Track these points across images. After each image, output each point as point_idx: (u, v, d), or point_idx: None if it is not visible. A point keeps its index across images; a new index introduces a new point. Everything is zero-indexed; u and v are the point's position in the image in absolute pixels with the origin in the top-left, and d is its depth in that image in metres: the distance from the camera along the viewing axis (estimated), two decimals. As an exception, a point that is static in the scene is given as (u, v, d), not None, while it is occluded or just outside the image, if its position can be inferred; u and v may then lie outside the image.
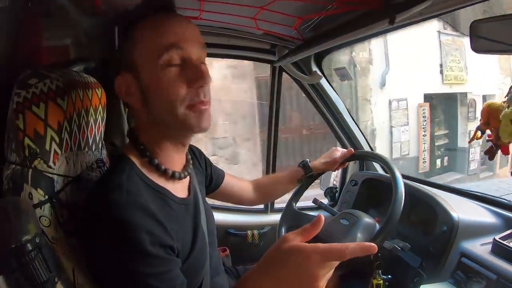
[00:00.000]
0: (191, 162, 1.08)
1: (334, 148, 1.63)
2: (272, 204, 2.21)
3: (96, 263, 0.82)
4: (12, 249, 0.68)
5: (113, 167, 0.92)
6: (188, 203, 1.01)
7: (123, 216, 0.77)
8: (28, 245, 0.69)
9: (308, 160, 1.60)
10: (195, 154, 1.27)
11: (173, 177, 0.96)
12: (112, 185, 0.82)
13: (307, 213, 1.60)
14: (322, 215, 0.75)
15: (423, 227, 1.43)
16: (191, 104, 0.88)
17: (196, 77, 0.87)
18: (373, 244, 0.69)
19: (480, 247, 1.23)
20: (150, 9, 0.88)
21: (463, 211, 1.35)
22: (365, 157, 1.90)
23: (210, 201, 1.32)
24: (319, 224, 0.74)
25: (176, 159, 0.99)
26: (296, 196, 1.59)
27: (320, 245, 0.70)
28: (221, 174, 1.44)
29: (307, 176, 1.56)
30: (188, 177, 1.04)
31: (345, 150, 1.58)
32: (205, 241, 1.05)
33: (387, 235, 1.23)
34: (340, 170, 2.17)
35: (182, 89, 0.86)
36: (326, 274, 0.71)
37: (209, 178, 1.36)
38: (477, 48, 1.06)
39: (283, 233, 1.55)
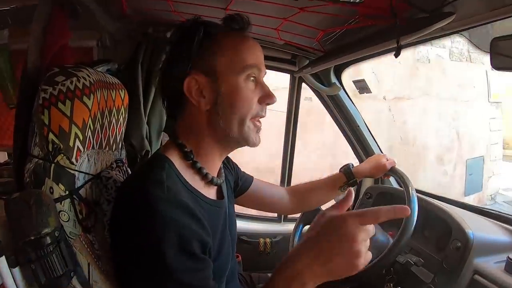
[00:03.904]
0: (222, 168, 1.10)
1: (379, 154, 1.57)
2: None
3: (128, 256, 0.82)
4: (31, 241, 0.69)
5: (151, 164, 0.94)
6: (221, 205, 1.03)
7: (163, 211, 0.79)
8: (48, 238, 0.71)
9: (352, 164, 1.50)
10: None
11: (211, 181, 0.99)
12: (152, 181, 0.84)
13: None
14: (352, 190, 0.85)
15: (437, 243, 1.41)
16: (254, 118, 0.95)
17: (268, 95, 0.96)
18: (406, 206, 0.77)
19: (493, 265, 1.21)
20: (233, 26, 0.96)
21: (477, 228, 1.32)
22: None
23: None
24: (351, 197, 0.88)
25: (216, 165, 1.03)
26: None
27: (354, 211, 0.78)
28: (249, 179, 1.40)
29: (350, 183, 1.45)
30: (223, 182, 1.07)
31: (389, 157, 1.49)
32: (230, 246, 1.07)
33: (400, 250, 1.22)
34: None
35: (254, 103, 0.94)
36: (365, 241, 0.75)
37: (236, 182, 1.34)
38: (496, 65, 1.06)
39: (300, 230, 1.58)
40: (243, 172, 1.39)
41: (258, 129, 0.97)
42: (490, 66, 1.07)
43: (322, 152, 5.70)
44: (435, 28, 1.00)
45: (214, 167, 1.01)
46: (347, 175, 1.45)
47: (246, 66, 0.92)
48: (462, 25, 1.06)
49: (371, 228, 0.76)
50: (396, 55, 1.09)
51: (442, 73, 6.98)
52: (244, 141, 0.96)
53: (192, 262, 0.80)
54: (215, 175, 1.02)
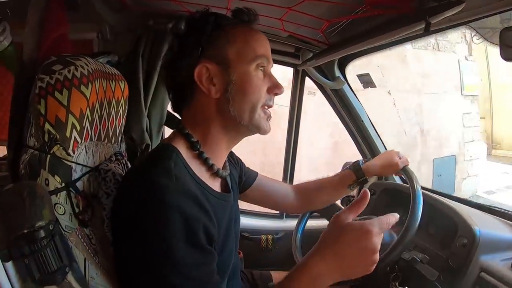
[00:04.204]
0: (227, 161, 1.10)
1: (391, 150, 1.49)
2: None
3: (132, 250, 0.80)
4: (24, 234, 0.67)
5: (157, 154, 0.94)
6: (227, 199, 1.03)
7: (171, 201, 0.78)
8: (41, 231, 0.68)
9: (361, 160, 1.45)
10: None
11: (217, 173, 0.99)
12: (160, 169, 0.84)
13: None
14: (368, 190, 0.83)
15: (442, 240, 1.38)
16: (264, 107, 0.97)
17: (276, 85, 0.99)
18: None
19: (500, 263, 1.19)
20: (242, 18, 0.98)
21: (484, 225, 1.29)
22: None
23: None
24: (366, 199, 0.84)
25: (223, 157, 1.03)
26: None
27: (373, 219, 0.81)
28: (252, 174, 1.38)
29: (360, 181, 1.42)
30: (228, 175, 1.08)
31: (402, 154, 1.43)
32: (234, 242, 1.07)
33: (405, 247, 1.20)
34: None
35: (264, 91, 0.96)
36: (377, 255, 0.81)
37: (240, 177, 1.32)
38: (507, 56, 1.03)
39: (303, 226, 1.61)
40: (247, 167, 1.37)
41: (268, 117, 0.99)
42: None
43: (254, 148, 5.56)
44: (442, 17, 0.97)
45: (220, 158, 1.01)
46: (357, 173, 1.42)
47: (257, 56, 0.94)
48: (470, 15, 1.04)
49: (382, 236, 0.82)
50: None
51: (402, 62, 6.67)
52: (255, 128, 0.97)
53: (199, 255, 0.80)
54: (221, 167, 1.01)
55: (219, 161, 1.01)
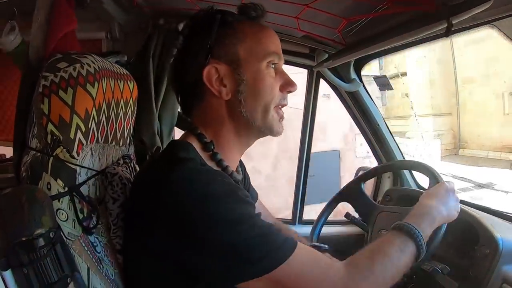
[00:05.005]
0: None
1: None
2: (301, 215, 2.16)
3: (170, 236, 0.77)
4: (22, 242, 0.63)
5: (174, 147, 0.92)
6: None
7: (204, 176, 0.80)
8: (41, 239, 0.64)
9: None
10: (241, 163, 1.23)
11: (231, 175, 0.95)
12: (183, 158, 0.83)
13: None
14: None
15: (462, 249, 1.34)
16: (277, 107, 0.95)
17: (289, 83, 0.96)
18: None
19: None
20: (250, 14, 0.96)
21: (506, 233, 1.25)
22: (411, 168, 1.79)
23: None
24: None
25: (236, 159, 1.02)
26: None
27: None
28: (255, 195, 1.34)
29: None
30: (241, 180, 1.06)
31: None
32: None
33: (426, 257, 1.15)
34: (373, 185, 2.09)
35: (277, 90, 0.94)
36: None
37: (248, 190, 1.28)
38: None
39: (319, 230, 1.61)
40: (252, 186, 1.34)
41: (281, 118, 0.97)
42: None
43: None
44: (468, 16, 0.93)
45: (233, 161, 1.00)
46: None
47: (268, 52, 0.92)
48: (498, 13, 1.01)
49: None
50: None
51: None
52: (268, 130, 0.95)
53: (251, 207, 0.82)
54: (234, 170, 0.99)
55: (233, 163, 0.99)
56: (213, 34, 0.90)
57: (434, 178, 1.24)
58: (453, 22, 0.96)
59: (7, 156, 2.28)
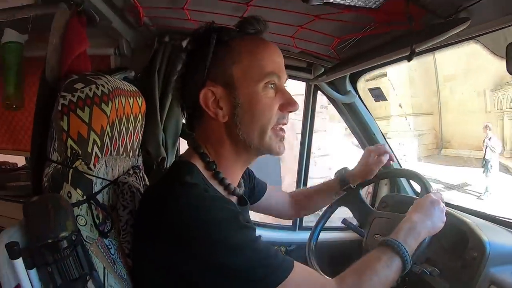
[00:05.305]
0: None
1: (367, 148, 1.49)
2: (301, 221, 2.18)
3: (175, 255, 0.80)
4: (48, 244, 0.71)
5: (179, 170, 0.93)
6: (244, 212, 1.04)
7: (208, 202, 0.81)
8: (65, 241, 0.72)
9: (346, 167, 1.48)
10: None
11: (233, 193, 0.98)
12: (187, 183, 0.84)
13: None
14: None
15: (454, 252, 1.36)
16: (276, 128, 0.93)
17: (290, 102, 0.93)
18: None
19: (510, 275, 1.18)
20: (248, 30, 0.94)
21: (495, 237, 1.29)
22: (404, 176, 1.85)
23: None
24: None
25: (238, 176, 1.02)
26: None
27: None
28: (263, 187, 1.39)
29: (344, 188, 1.44)
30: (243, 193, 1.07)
31: (379, 148, 1.44)
32: None
33: (416, 259, 1.20)
34: (371, 192, 2.13)
35: (275, 111, 0.92)
36: (444, 207, 1.17)
37: (252, 190, 1.32)
38: None
39: (317, 235, 1.60)
40: (258, 178, 1.38)
41: (281, 138, 0.95)
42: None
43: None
44: (451, 34, 1.00)
45: (235, 178, 1.00)
46: (341, 181, 1.44)
47: (265, 74, 0.90)
48: (478, 30, 1.05)
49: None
50: (409, 60, 1.11)
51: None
52: (266, 150, 0.94)
53: (253, 232, 0.84)
54: (236, 185, 1.01)
55: (235, 180, 1.00)
56: (209, 55, 0.89)
57: (424, 188, 1.28)
58: (438, 40, 1.03)
59: (19, 165, 2.37)
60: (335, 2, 0.99)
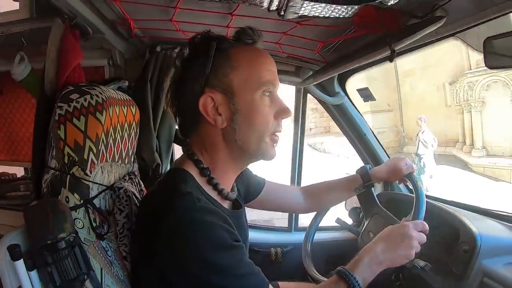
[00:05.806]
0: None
1: (397, 157, 1.51)
2: (297, 222, 2.18)
3: (168, 265, 0.83)
4: (47, 245, 0.76)
5: (174, 179, 0.95)
6: (238, 216, 1.07)
7: (200, 218, 0.82)
8: (63, 242, 0.77)
9: (369, 166, 1.49)
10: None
11: (226, 197, 1.01)
12: (181, 193, 0.87)
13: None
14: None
15: (445, 247, 1.37)
16: (272, 134, 0.97)
17: (284, 110, 0.97)
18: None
19: (503, 267, 1.19)
20: (246, 40, 0.98)
21: (485, 229, 1.30)
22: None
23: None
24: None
25: (231, 181, 1.05)
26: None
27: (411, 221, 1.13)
28: (260, 183, 1.39)
29: (366, 185, 1.44)
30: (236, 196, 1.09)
31: (409, 161, 1.44)
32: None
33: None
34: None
35: (271, 119, 0.96)
36: (417, 240, 1.07)
37: (247, 189, 1.32)
38: (491, 64, 1.08)
39: (312, 236, 1.61)
40: (255, 175, 1.38)
41: (275, 143, 0.99)
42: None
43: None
44: (427, 32, 1.03)
45: (228, 182, 1.03)
46: (364, 178, 1.44)
47: (263, 82, 0.94)
48: (455, 28, 1.07)
49: (423, 235, 1.10)
50: (390, 60, 1.14)
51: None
52: (261, 156, 0.98)
53: (240, 255, 0.87)
54: (229, 190, 1.04)
55: (228, 185, 1.03)
56: (209, 63, 0.91)
57: (415, 213, 1.26)
58: (416, 38, 1.05)
59: (18, 176, 2.43)
60: (309, 15, 1.02)
